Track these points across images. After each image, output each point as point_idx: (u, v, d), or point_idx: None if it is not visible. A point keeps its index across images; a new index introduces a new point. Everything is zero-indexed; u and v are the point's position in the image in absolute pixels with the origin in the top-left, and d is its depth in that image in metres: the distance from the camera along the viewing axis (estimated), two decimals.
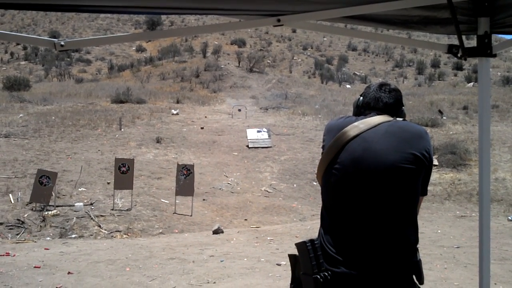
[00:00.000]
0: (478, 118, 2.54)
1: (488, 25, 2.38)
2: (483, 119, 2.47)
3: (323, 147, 2.24)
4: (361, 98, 2.33)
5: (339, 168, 2.10)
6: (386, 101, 2.24)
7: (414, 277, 2.07)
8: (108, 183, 14.75)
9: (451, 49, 2.48)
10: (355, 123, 2.14)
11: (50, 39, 2.16)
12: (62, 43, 2.15)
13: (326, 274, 2.02)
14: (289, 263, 2.29)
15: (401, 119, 2.21)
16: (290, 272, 2.27)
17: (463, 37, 2.45)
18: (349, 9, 2.26)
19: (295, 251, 2.19)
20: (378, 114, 2.19)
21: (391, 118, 2.17)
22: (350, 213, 2.07)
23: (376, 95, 2.26)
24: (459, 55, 2.46)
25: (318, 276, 2.01)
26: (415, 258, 2.07)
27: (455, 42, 2.46)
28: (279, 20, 2.31)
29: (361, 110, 2.30)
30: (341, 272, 2.01)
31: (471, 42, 2.54)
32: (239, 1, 2.21)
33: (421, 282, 2.09)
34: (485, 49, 2.40)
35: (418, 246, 2.11)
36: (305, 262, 2.09)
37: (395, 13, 2.36)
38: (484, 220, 2.51)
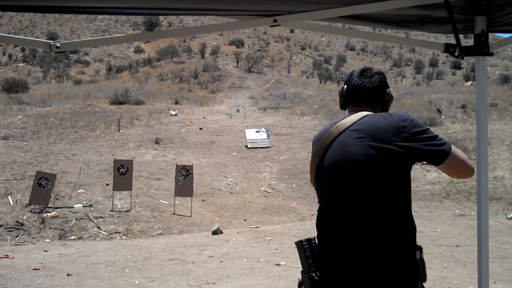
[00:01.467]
0: (475, 116, 2.54)
1: (485, 23, 2.38)
2: (481, 117, 2.47)
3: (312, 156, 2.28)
4: (345, 86, 2.31)
5: (323, 175, 2.15)
6: (368, 86, 2.22)
7: (415, 276, 2.02)
8: (107, 184, 14.74)
9: (448, 48, 2.48)
10: (330, 129, 2.16)
11: (46, 40, 2.16)
12: (58, 44, 2.15)
13: (321, 273, 2.04)
14: (288, 263, 2.30)
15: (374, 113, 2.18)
16: (289, 272, 2.29)
17: (461, 36, 2.46)
18: (345, 9, 2.26)
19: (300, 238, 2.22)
20: (359, 110, 2.18)
21: (367, 113, 2.14)
22: (338, 215, 2.08)
23: (359, 81, 2.25)
24: (456, 54, 2.46)
25: (314, 274, 2.02)
26: (413, 257, 2.03)
27: (453, 41, 2.46)
28: (275, 20, 2.31)
29: (347, 99, 2.30)
30: (337, 271, 2.03)
31: (469, 41, 2.54)
32: (235, 1, 2.21)
33: (423, 280, 2.06)
34: (482, 48, 2.40)
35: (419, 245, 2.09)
36: (302, 260, 2.11)
37: (391, 13, 2.36)
38: (482, 219, 2.51)
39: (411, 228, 2.07)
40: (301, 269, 2.16)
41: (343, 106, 2.35)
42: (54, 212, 12.21)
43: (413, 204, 2.13)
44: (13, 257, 8.28)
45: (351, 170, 2.02)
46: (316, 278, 2.02)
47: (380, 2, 2.23)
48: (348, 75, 2.35)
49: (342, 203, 2.06)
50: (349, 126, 2.10)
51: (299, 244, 2.12)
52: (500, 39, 2.61)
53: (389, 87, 2.29)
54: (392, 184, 2.01)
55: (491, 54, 2.42)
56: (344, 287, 2.01)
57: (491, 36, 2.45)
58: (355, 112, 2.18)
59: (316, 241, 2.14)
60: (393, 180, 2.01)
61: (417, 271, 2.02)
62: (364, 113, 2.15)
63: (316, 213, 2.25)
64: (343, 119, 2.18)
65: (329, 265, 2.05)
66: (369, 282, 1.97)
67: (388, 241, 1.99)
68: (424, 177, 17.34)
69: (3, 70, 56.64)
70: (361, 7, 2.25)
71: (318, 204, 2.24)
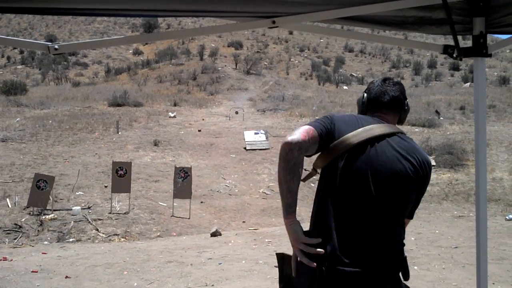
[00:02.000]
0: (474, 117, 2.54)
1: (483, 25, 2.39)
2: (479, 118, 2.48)
3: (326, 137, 2.14)
4: (365, 94, 2.34)
5: (348, 165, 2.10)
6: (392, 94, 2.27)
7: (400, 273, 2.13)
8: (106, 186, 14.72)
9: (446, 50, 2.49)
10: (372, 126, 2.15)
11: (44, 42, 2.16)
12: (56, 46, 2.15)
13: (323, 268, 2.03)
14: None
15: (405, 134, 2.26)
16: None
17: (459, 37, 2.46)
18: (343, 11, 2.26)
19: (281, 251, 2.20)
20: (381, 121, 2.21)
21: (395, 129, 2.20)
22: (348, 215, 2.08)
23: (382, 89, 2.29)
24: (454, 55, 2.46)
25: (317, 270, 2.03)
26: (402, 256, 2.14)
27: (451, 42, 2.46)
28: (274, 22, 2.31)
29: (367, 107, 2.32)
30: (337, 269, 2.03)
31: (468, 43, 2.54)
32: (234, 3, 2.21)
33: (406, 278, 2.15)
34: (480, 49, 2.41)
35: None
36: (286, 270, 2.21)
37: (390, 14, 2.36)
38: (481, 220, 2.51)
39: (404, 232, 2.23)
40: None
41: (362, 114, 2.35)
42: (53, 215, 12.19)
43: None
44: (11, 260, 8.26)
45: (379, 175, 2.08)
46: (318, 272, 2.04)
47: (378, 4, 2.23)
48: (369, 83, 2.38)
49: (360, 203, 2.08)
50: (379, 135, 2.14)
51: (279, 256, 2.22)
52: (498, 40, 2.61)
53: (407, 98, 2.36)
54: (406, 195, 2.15)
55: (490, 55, 2.43)
56: (348, 276, 2.03)
57: (489, 37, 2.45)
58: (379, 120, 2.22)
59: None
60: (408, 192, 2.15)
61: (406, 269, 2.15)
62: (396, 127, 2.24)
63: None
64: (369, 121, 2.19)
65: (334, 262, 2.05)
66: (367, 279, 2.03)
67: (392, 243, 2.12)
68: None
69: (1, 72, 56.66)
70: (359, 8, 2.25)
71: (321, 191, 2.19)
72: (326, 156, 2.15)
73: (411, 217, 2.27)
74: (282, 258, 2.26)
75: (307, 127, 2.11)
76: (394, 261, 2.09)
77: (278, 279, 2.29)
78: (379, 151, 2.10)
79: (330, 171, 2.14)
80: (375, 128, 2.14)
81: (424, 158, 2.18)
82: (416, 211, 2.30)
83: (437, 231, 10.63)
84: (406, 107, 2.31)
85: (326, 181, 2.16)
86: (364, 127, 2.13)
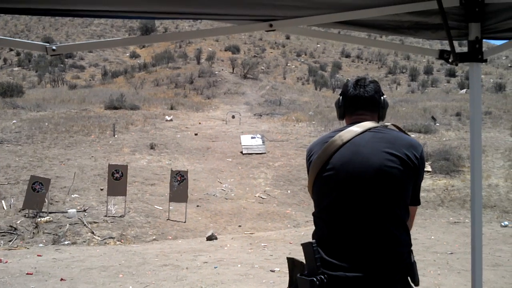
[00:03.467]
0: (469, 123, 2.55)
1: (479, 30, 2.40)
2: (475, 124, 2.48)
3: (309, 164, 2.26)
4: (341, 97, 2.36)
5: (330, 174, 2.13)
6: (365, 96, 2.28)
7: (409, 278, 2.09)
8: (102, 189, 14.70)
9: (442, 55, 2.50)
10: (341, 132, 2.18)
11: (42, 43, 2.16)
12: (54, 47, 2.15)
13: (323, 277, 2.02)
14: (282, 270, 2.29)
15: (388, 124, 2.25)
16: (283, 278, 2.28)
17: (455, 43, 2.47)
18: (340, 15, 2.27)
19: (292, 254, 2.19)
20: (361, 120, 2.23)
21: (376, 124, 2.21)
22: (343, 217, 2.09)
23: (354, 92, 2.29)
24: (450, 60, 2.47)
25: (315, 279, 2.02)
26: (409, 260, 2.10)
27: (447, 48, 2.47)
28: (271, 25, 2.32)
29: (344, 109, 2.35)
30: (338, 275, 2.02)
31: (465, 48, 2.55)
32: (231, 6, 2.22)
33: (416, 284, 2.12)
34: (476, 55, 2.42)
35: (412, 249, 2.14)
36: (310, 262, 2.10)
37: (386, 19, 2.37)
38: (476, 226, 2.51)
39: (409, 235, 2.16)
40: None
41: (341, 117, 2.40)
42: (48, 217, 12.17)
43: None
44: (6, 262, 8.23)
45: (366, 171, 2.07)
46: (317, 283, 2.01)
47: (375, 9, 2.24)
48: (343, 85, 2.40)
49: (352, 202, 2.08)
50: (362, 132, 2.16)
51: (308, 246, 2.12)
52: (493, 46, 2.63)
53: (383, 95, 2.35)
54: (399, 190, 2.09)
55: (485, 61, 2.44)
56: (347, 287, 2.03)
57: (484, 44, 2.46)
58: (357, 122, 2.23)
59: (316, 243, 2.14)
60: (400, 187, 2.10)
61: (414, 274, 2.10)
62: (369, 123, 2.21)
63: (310, 219, 2.26)
64: (342, 129, 2.22)
65: (331, 269, 2.04)
66: (371, 285, 2.01)
67: (392, 245, 2.07)
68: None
69: None
70: (356, 13, 2.26)
71: (316, 208, 2.23)
72: (309, 179, 2.25)
73: (416, 203, 2.20)
74: (292, 263, 2.27)
75: None
76: (397, 265, 2.04)
77: (288, 284, 2.29)
78: (353, 154, 2.11)
79: (316, 187, 2.21)
80: (343, 135, 2.17)
81: (407, 142, 2.14)
82: (413, 222, 2.29)
83: (432, 237, 10.65)
84: (382, 104, 2.32)
85: (315, 196, 2.23)
86: (330, 140, 2.18)
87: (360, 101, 2.28)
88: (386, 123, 2.26)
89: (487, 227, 12.02)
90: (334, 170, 2.12)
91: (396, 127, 2.26)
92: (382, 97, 2.32)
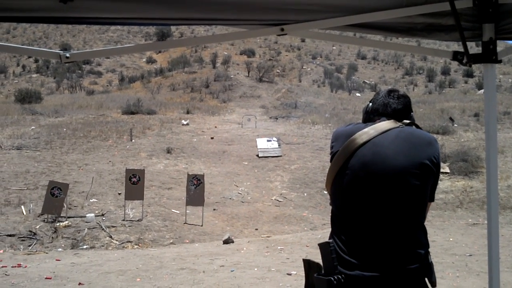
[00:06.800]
0: (484, 124, 2.54)
1: (493, 31, 2.38)
2: (490, 125, 2.47)
3: (332, 153, 2.25)
4: (370, 104, 2.37)
5: (349, 173, 2.14)
6: (394, 107, 2.28)
7: (426, 279, 2.10)
8: (119, 194, 14.81)
9: (456, 56, 2.49)
10: (365, 130, 2.18)
11: (55, 51, 2.20)
12: (68, 55, 2.18)
13: (340, 277, 2.04)
14: (299, 273, 2.30)
15: (408, 123, 2.24)
16: (300, 281, 2.29)
17: (471, 43, 2.46)
18: (352, 18, 2.28)
19: (308, 257, 2.19)
20: (388, 120, 2.23)
21: (399, 124, 2.20)
22: (362, 217, 2.10)
23: (385, 101, 2.30)
24: (464, 61, 2.46)
25: (332, 278, 2.02)
26: (426, 261, 2.10)
27: (462, 49, 2.46)
28: (282, 29, 2.33)
29: (370, 116, 2.34)
30: (355, 275, 2.04)
31: (480, 49, 2.54)
32: (243, 11, 2.24)
33: (433, 285, 2.12)
34: (490, 55, 2.40)
35: (429, 250, 2.15)
36: (328, 262, 2.11)
37: (399, 21, 2.37)
38: (493, 227, 2.50)
39: (426, 235, 2.18)
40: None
41: (366, 122, 2.39)
42: (67, 222, 12.28)
43: None
44: (25, 266, 8.34)
45: (387, 173, 2.09)
46: (335, 282, 2.03)
47: (386, 11, 2.24)
48: (375, 94, 2.41)
49: (370, 203, 2.09)
50: (385, 131, 2.16)
51: (326, 246, 2.13)
52: (509, 46, 2.60)
53: (412, 111, 2.37)
54: (419, 193, 2.11)
55: (500, 62, 2.42)
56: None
57: (503, 44, 2.45)
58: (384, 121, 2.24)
59: (334, 243, 2.15)
60: (420, 189, 2.11)
61: (432, 275, 2.12)
62: (398, 123, 2.22)
63: (327, 222, 2.27)
64: (375, 123, 2.23)
65: (348, 269, 2.05)
66: (389, 285, 2.03)
67: (410, 245, 2.08)
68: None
69: (16, 81, 57.37)
70: (368, 15, 2.27)
71: (333, 206, 2.24)
72: (328, 174, 2.24)
73: (430, 200, 2.21)
74: (308, 265, 2.27)
75: None
76: (414, 266, 2.04)
77: (304, 286, 2.30)
78: (374, 154, 2.11)
79: (335, 186, 2.22)
80: (364, 134, 2.16)
81: (427, 141, 2.17)
82: (430, 218, 2.29)
83: (451, 239, 10.54)
84: (411, 120, 2.31)
85: (333, 195, 2.24)
86: (351, 137, 2.17)
87: (389, 109, 2.28)
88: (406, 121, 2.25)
89: (507, 228, 11.85)
90: (354, 170, 2.13)
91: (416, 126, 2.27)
92: (411, 113, 2.34)
